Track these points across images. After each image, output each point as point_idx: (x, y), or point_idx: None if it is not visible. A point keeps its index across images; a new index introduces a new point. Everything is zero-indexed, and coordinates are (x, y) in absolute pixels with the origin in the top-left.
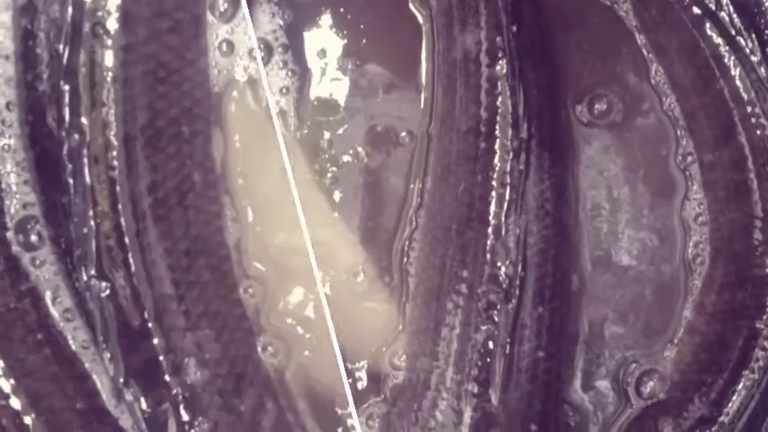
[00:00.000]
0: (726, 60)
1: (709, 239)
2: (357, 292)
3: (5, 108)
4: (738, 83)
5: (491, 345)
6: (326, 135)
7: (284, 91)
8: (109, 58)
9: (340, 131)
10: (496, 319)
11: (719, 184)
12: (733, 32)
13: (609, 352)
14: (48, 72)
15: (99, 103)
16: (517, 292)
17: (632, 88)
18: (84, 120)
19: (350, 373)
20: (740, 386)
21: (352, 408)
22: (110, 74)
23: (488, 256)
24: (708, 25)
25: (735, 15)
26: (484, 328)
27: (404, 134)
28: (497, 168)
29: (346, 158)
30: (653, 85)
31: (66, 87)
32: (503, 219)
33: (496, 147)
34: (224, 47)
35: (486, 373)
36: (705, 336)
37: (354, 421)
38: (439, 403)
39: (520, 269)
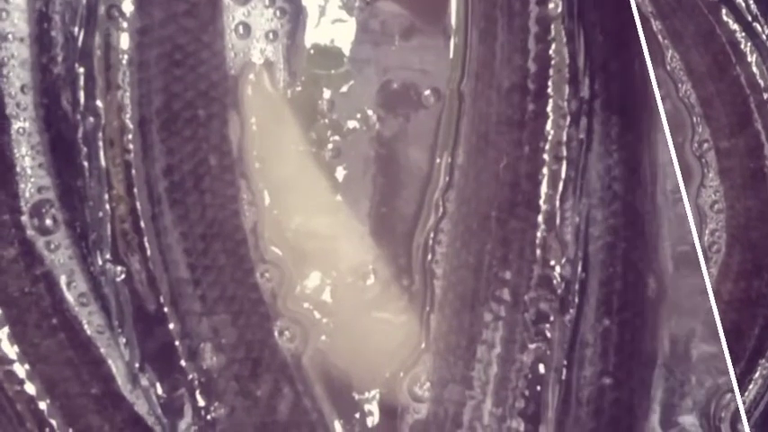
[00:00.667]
0: (742, 46)
1: (726, 227)
2: (366, 299)
3: (20, 91)
4: (755, 69)
5: (542, 369)
6: (327, 94)
7: (271, 36)
8: (124, 41)
9: (344, 89)
10: (549, 334)
11: (736, 171)
12: (749, 18)
13: (696, 378)
14: (63, 55)
15: (114, 85)
16: (576, 300)
17: None
18: (99, 103)
19: (357, 407)
20: (756, 375)
21: None
22: (125, 56)
23: (538, 252)
24: (724, 11)
25: (751, 1)
26: (532, 346)
27: (427, 93)
28: (550, 137)
29: (352, 124)
30: (668, 72)
31: (82, 70)
32: (557, 203)
33: (549, 109)
34: (240, 29)
35: (536, 406)
36: (721, 324)
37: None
38: None
39: (580, 270)
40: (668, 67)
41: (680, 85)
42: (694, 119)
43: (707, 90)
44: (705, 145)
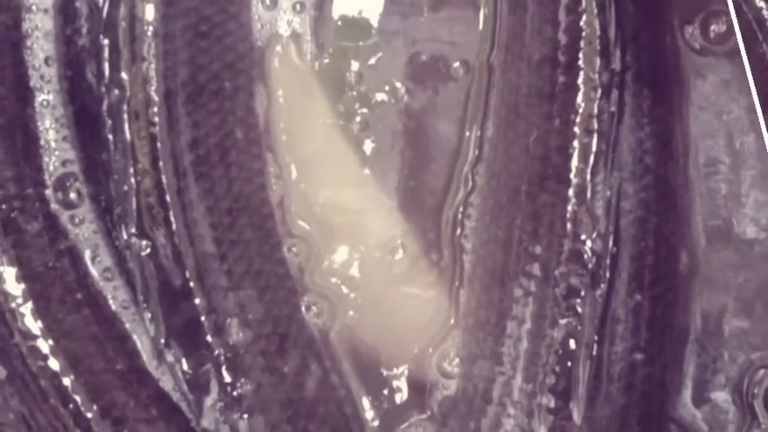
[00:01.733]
0: None
1: None
2: (394, 274)
3: (44, 63)
4: None
5: (573, 344)
6: (355, 66)
7: (298, 7)
8: (149, 12)
9: (372, 61)
10: (580, 309)
11: None
12: None
13: (729, 354)
14: (87, 26)
15: (139, 57)
16: (607, 275)
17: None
18: (124, 75)
19: (386, 383)
20: None
21: None
22: (150, 28)
23: (569, 226)
24: None
25: None
26: (563, 321)
27: (456, 65)
28: (581, 110)
29: (381, 97)
30: None
31: (106, 42)
32: (588, 177)
33: (579, 81)
34: (267, 0)
35: (567, 382)
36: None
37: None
38: (504, 422)
39: (611, 244)
40: None
41: None
42: None
43: None
44: None
